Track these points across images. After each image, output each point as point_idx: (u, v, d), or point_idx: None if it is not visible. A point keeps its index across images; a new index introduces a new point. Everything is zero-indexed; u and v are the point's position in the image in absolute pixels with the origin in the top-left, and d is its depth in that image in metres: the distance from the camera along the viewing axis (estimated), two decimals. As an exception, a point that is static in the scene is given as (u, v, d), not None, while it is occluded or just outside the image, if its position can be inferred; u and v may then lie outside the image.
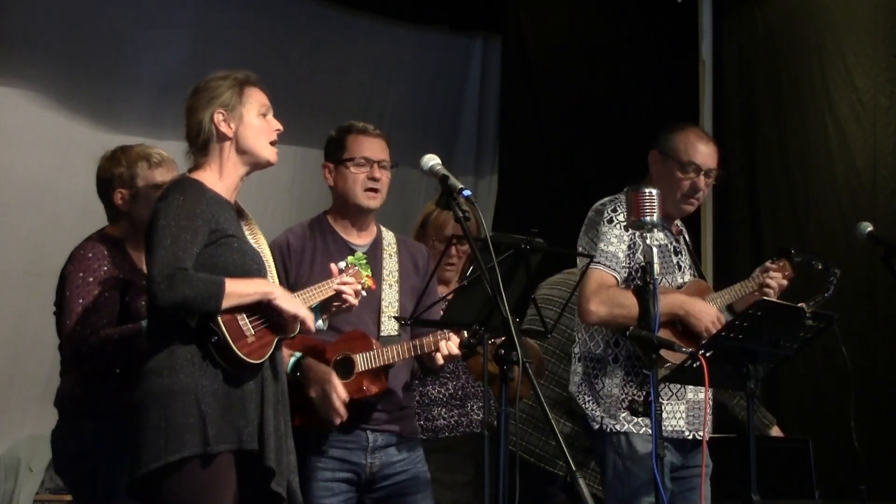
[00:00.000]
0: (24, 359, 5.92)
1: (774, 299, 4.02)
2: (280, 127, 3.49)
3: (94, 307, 3.79)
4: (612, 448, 4.02)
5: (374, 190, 3.93)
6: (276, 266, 3.75)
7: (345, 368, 3.77)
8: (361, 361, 3.77)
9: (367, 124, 4.03)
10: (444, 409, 4.51)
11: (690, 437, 4.06)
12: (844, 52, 6.12)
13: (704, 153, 4.16)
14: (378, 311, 3.90)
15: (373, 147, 3.96)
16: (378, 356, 3.77)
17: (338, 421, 3.72)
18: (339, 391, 3.70)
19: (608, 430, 4.01)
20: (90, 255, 3.87)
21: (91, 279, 3.82)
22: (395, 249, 4.02)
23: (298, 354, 3.75)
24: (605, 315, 3.98)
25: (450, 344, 3.75)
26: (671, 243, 4.20)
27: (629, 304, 3.88)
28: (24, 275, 5.90)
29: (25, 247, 5.93)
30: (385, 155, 3.98)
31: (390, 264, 3.98)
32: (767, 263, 4.20)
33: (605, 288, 4.00)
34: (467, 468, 4.47)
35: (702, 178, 4.14)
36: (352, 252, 3.91)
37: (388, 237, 4.06)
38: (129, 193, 3.92)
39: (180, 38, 6.45)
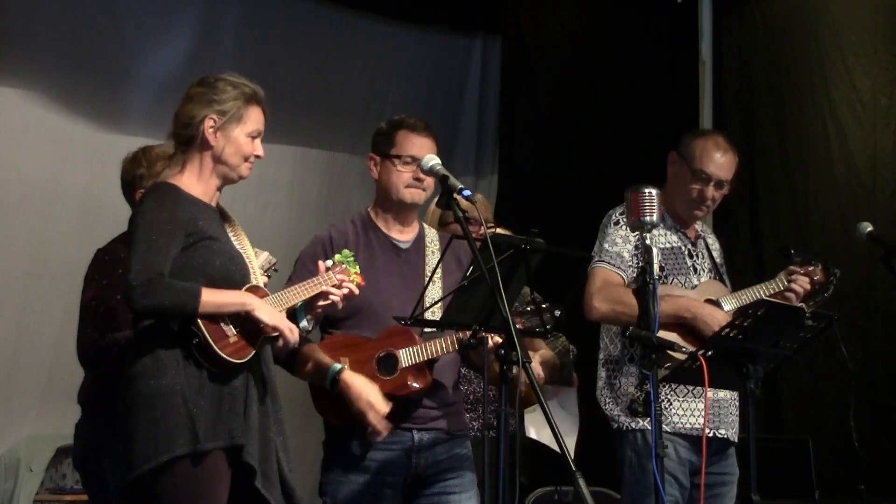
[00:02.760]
0: (24, 359, 5.92)
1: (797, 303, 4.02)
2: (262, 154, 3.45)
3: (105, 310, 3.83)
4: (630, 445, 4.05)
5: (419, 188, 3.87)
6: (318, 260, 3.73)
7: (388, 365, 3.73)
8: (405, 357, 3.72)
9: (418, 121, 3.95)
10: (457, 413, 4.51)
11: (711, 434, 4.04)
12: (844, 52, 6.12)
13: (718, 164, 4.16)
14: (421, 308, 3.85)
15: (422, 146, 3.86)
16: (421, 351, 3.72)
17: (378, 438, 3.66)
18: (379, 408, 3.62)
19: (625, 427, 4.05)
20: (106, 258, 3.92)
21: (104, 282, 3.85)
22: (437, 247, 3.96)
23: (338, 367, 3.67)
24: (608, 312, 4.04)
25: (496, 338, 3.69)
26: (685, 246, 4.21)
27: (632, 302, 3.85)
28: (24, 275, 5.90)
29: (25, 247, 5.93)
30: (432, 154, 3.87)
31: (433, 261, 3.92)
32: (792, 267, 4.18)
33: (609, 286, 4.05)
34: (478, 470, 4.46)
35: (711, 188, 4.15)
36: (395, 248, 3.90)
37: (431, 234, 4.01)
38: None
39: (180, 38, 6.45)
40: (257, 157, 3.45)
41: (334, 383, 3.66)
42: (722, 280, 4.27)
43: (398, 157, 3.87)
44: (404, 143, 3.89)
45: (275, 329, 3.30)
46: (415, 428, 3.77)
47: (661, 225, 4.18)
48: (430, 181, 3.88)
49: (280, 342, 3.35)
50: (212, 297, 3.21)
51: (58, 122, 6.03)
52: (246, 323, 3.29)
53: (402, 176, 3.86)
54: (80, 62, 6.09)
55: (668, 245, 4.17)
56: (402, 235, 3.94)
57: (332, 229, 3.93)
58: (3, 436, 5.94)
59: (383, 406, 3.64)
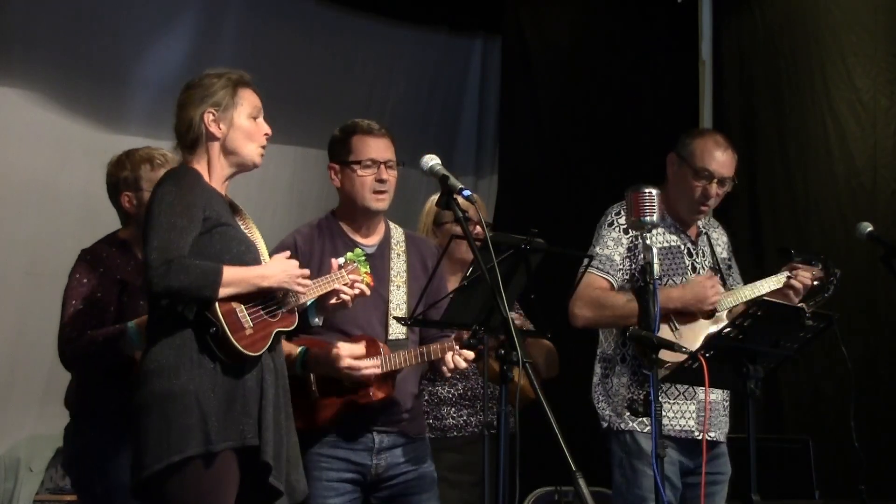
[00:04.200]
0: (24, 359, 5.92)
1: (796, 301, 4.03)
2: (269, 131, 3.47)
3: (84, 309, 3.82)
4: (620, 446, 4.07)
5: (383, 192, 3.89)
6: None
7: None
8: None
9: (371, 123, 3.96)
10: (453, 409, 4.51)
11: (700, 437, 4.05)
12: (844, 52, 6.12)
13: (720, 161, 4.19)
14: (386, 314, 3.87)
15: (378, 147, 3.90)
16: (386, 362, 3.74)
17: (375, 376, 3.69)
18: (355, 352, 3.67)
19: (615, 428, 4.07)
20: (88, 257, 3.91)
21: (85, 281, 3.86)
22: (403, 248, 3.98)
23: (303, 348, 3.72)
24: (590, 317, 4.08)
25: (457, 357, 3.70)
26: (685, 245, 4.21)
27: (612, 304, 4.05)
28: (24, 275, 5.91)
29: (25, 247, 5.93)
30: (391, 154, 3.92)
31: (398, 265, 3.94)
32: (794, 263, 4.18)
33: (589, 289, 4.08)
34: (475, 468, 4.46)
35: (714, 185, 4.17)
36: None
37: (397, 235, 4.02)
38: (134, 196, 3.94)
39: (180, 38, 6.45)
40: (267, 135, 3.46)
41: (304, 365, 3.70)
42: (722, 276, 4.27)
43: (357, 162, 3.89)
44: (361, 148, 3.90)
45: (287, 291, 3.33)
46: (375, 430, 3.81)
47: (661, 225, 4.19)
48: (392, 181, 3.92)
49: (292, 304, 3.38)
50: (233, 276, 3.21)
51: (58, 122, 6.03)
52: (262, 314, 3.30)
53: (364, 181, 3.88)
54: (80, 62, 6.09)
55: (665, 245, 4.18)
56: (368, 240, 3.96)
57: (297, 235, 3.95)
58: (3, 436, 5.94)
59: (361, 350, 3.67)
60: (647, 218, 3.52)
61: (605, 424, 4.10)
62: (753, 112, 6.58)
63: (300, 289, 3.37)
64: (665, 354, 3.62)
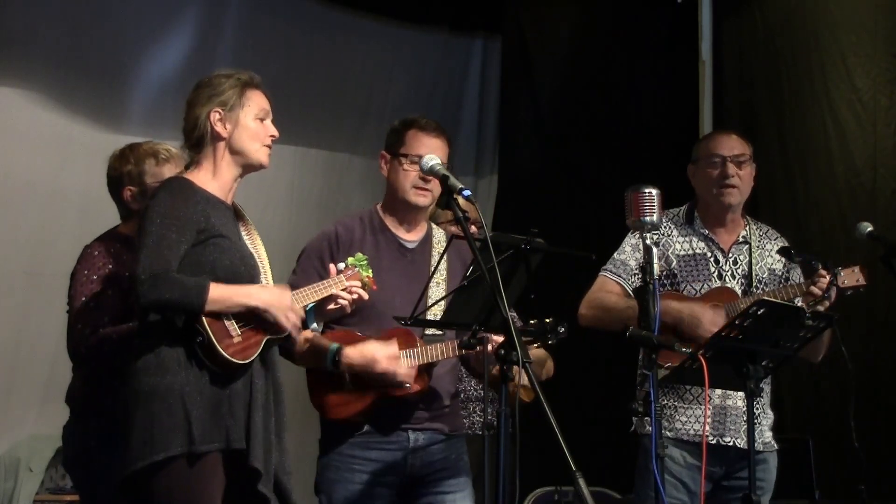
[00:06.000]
0: (24, 359, 5.92)
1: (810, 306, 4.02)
2: (276, 133, 3.48)
3: (95, 306, 3.81)
4: (641, 448, 4.10)
5: (425, 189, 3.88)
6: (323, 256, 3.77)
7: None
8: (404, 358, 3.74)
9: (430, 121, 3.99)
10: (447, 411, 4.51)
11: (714, 441, 4.06)
12: (844, 52, 6.12)
13: (724, 142, 4.29)
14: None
15: (429, 146, 3.88)
16: (422, 354, 3.74)
17: (408, 385, 3.68)
18: (392, 354, 3.67)
19: (639, 432, 4.11)
20: (96, 253, 3.89)
21: (95, 277, 3.84)
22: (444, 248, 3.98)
23: (336, 345, 3.70)
24: (590, 317, 4.18)
25: (496, 338, 3.71)
26: (713, 252, 4.22)
27: (612, 307, 4.11)
28: (24, 275, 5.91)
29: (25, 247, 5.94)
30: (442, 155, 3.87)
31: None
32: (822, 271, 4.17)
33: (596, 291, 4.18)
34: (473, 468, 4.46)
35: (729, 165, 4.22)
36: (401, 248, 3.91)
37: (439, 234, 4.03)
38: (137, 191, 3.93)
39: (180, 37, 6.46)
40: (273, 137, 3.47)
41: (336, 363, 3.68)
42: (749, 288, 4.23)
43: (405, 155, 3.90)
44: (413, 143, 3.92)
45: (281, 329, 3.31)
46: (411, 428, 3.79)
47: (689, 232, 4.22)
48: (436, 182, 3.89)
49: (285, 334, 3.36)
50: (220, 293, 3.21)
51: (58, 122, 6.04)
52: (251, 324, 3.29)
53: (408, 175, 3.88)
54: (80, 62, 6.10)
55: (689, 252, 4.21)
56: (410, 235, 3.96)
57: (339, 225, 3.94)
58: (3, 436, 5.95)
59: (396, 352, 3.67)
60: (648, 218, 3.51)
61: (631, 428, 4.15)
62: (753, 112, 6.57)
63: (286, 323, 3.32)
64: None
